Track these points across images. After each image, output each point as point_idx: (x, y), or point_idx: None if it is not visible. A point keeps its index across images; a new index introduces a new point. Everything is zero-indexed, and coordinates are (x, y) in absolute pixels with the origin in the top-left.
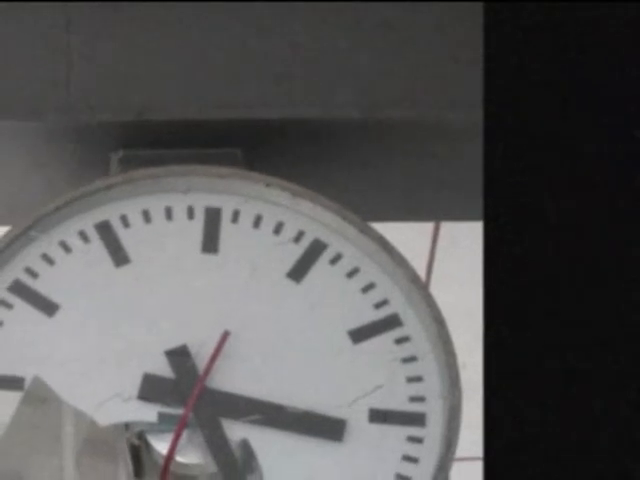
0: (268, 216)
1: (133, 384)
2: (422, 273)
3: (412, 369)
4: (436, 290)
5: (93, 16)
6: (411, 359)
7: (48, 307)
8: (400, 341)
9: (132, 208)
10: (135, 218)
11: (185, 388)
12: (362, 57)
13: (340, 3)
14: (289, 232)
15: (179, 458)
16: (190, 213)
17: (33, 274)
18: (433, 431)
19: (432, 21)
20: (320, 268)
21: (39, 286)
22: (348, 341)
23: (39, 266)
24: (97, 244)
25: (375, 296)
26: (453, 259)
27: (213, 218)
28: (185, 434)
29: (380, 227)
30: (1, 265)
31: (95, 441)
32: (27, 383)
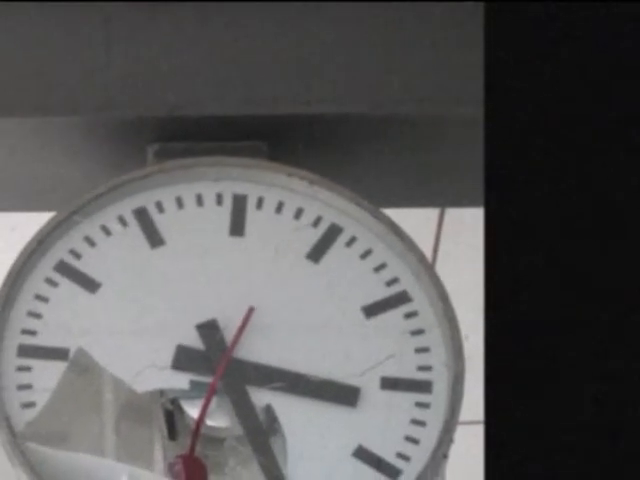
0: (289, 203)
1: (167, 355)
2: (429, 254)
3: (420, 341)
4: (441, 269)
5: (130, 19)
6: (419, 332)
7: (90, 285)
8: (409, 315)
9: (166, 195)
10: (169, 204)
11: (214, 358)
12: (374, 59)
13: (353, 5)
14: (308, 217)
15: (209, 422)
16: (219, 200)
17: (76, 255)
18: (439, 397)
19: (438, 24)
20: (336, 250)
21: (82, 266)
22: (362, 316)
23: (82, 248)
24: (134, 228)
25: (386, 275)
26: (457, 241)
27: (240, 204)
28: (214, 400)
29: (391, 212)
30: (47, 247)
31: (132, 406)
32: (71, 354)
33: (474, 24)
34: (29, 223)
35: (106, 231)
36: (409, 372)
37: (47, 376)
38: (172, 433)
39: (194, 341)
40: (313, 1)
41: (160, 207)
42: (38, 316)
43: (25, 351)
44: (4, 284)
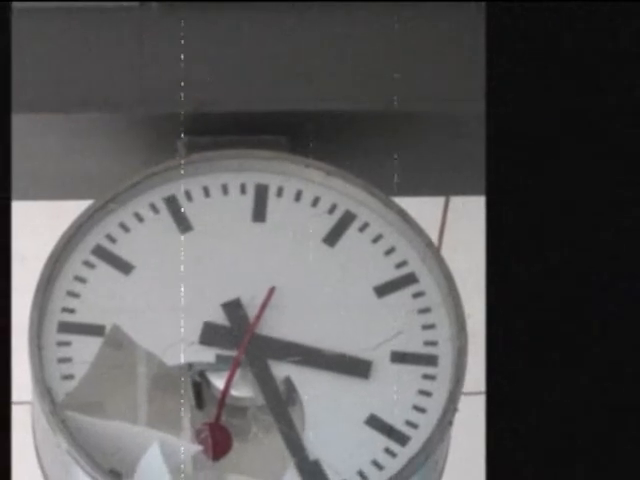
0: (307, 192)
1: (195, 331)
2: (435, 239)
3: (426, 318)
4: (446, 253)
5: (161, 24)
6: (425, 310)
7: (125, 267)
8: (416, 295)
9: (194, 185)
10: (197, 193)
11: (238, 334)
12: (384, 59)
13: (363, 7)
14: (324, 205)
15: (233, 392)
16: (242, 189)
17: (112, 239)
18: (444, 370)
19: (442, 24)
20: (350, 235)
21: (117, 249)
22: (373, 295)
23: (117, 233)
24: (165, 215)
25: (396, 258)
26: (461, 227)
27: (261, 193)
28: (238, 372)
29: (400, 201)
30: (85, 232)
31: (163, 378)
32: (107, 330)
33: (476, 24)
34: (69, 210)
35: (139, 218)
36: (417, 347)
37: (85, 350)
38: (200, 403)
39: (220, 318)
40: (329, 1)
41: (189, 196)
42: (77, 295)
43: (65, 327)
44: (46, 266)
